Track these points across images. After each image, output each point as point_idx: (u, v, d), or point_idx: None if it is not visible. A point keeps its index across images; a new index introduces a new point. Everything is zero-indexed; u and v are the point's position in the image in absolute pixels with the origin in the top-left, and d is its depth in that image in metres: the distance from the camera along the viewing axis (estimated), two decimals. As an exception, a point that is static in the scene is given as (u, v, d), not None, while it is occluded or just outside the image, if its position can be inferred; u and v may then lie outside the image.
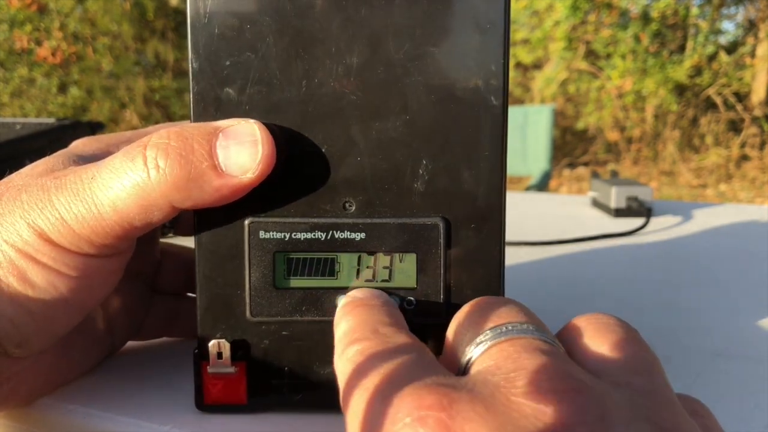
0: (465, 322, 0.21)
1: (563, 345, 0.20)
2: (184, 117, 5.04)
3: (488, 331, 0.19)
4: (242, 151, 0.23)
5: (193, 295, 0.33)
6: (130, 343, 0.32)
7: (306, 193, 0.24)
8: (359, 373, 0.18)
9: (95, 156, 0.27)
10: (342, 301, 0.23)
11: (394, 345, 0.19)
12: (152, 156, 0.23)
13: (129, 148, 0.23)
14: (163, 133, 0.23)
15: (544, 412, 0.16)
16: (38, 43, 4.92)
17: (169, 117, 4.96)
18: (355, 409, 0.18)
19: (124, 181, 0.23)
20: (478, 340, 0.19)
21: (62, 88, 5.00)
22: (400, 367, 0.18)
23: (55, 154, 0.26)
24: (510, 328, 0.19)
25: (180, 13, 5.13)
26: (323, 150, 0.24)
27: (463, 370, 0.19)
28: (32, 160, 0.27)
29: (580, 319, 0.21)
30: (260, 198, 0.24)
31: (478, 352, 0.19)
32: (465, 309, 0.22)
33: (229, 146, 0.23)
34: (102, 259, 0.25)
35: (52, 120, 0.64)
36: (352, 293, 0.24)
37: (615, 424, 0.16)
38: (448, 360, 0.21)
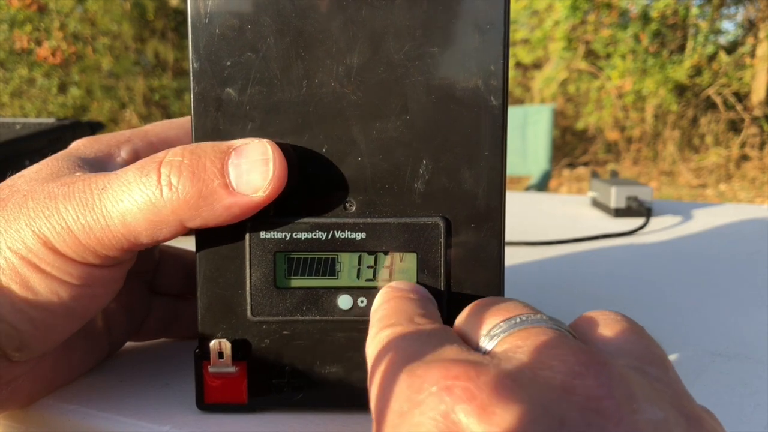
0: (474, 317, 0.21)
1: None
2: (183, 116, 5.03)
3: (502, 323, 0.19)
4: (254, 169, 0.23)
5: (192, 297, 0.33)
6: (129, 343, 0.32)
7: (307, 193, 0.24)
8: (388, 350, 0.18)
9: (97, 158, 0.27)
10: (383, 288, 0.24)
11: (426, 330, 0.19)
12: (166, 173, 0.23)
13: (143, 163, 0.23)
14: (177, 151, 0.23)
15: (572, 384, 0.15)
16: (38, 43, 4.92)
17: (169, 117, 4.96)
18: (380, 382, 0.18)
19: (136, 196, 0.23)
20: (493, 331, 0.19)
21: (62, 88, 5.00)
22: (429, 345, 0.18)
23: (56, 156, 0.26)
24: (524, 318, 0.19)
25: (180, 13, 5.13)
26: (324, 150, 0.24)
27: None
28: (32, 160, 0.26)
29: (591, 313, 0.21)
30: None
31: (495, 342, 0.19)
32: (471, 306, 0.22)
33: (241, 164, 0.23)
34: (104, 269, 0.25)
35: (52, 120, 0.64)
36: (393, 283, 0.24)
37: (642, 401, 0.16)
38: None
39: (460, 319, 0.21)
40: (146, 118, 4.90)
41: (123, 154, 0.28)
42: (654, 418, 0.15)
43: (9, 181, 0.25)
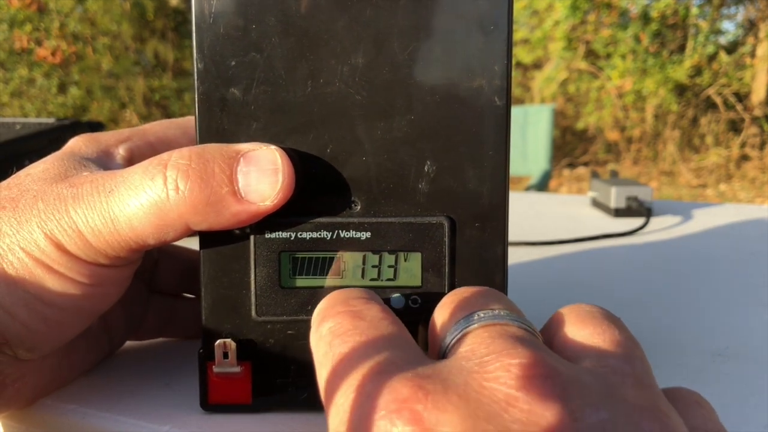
0: (443, 312, 0.21)
1: (546, 335, 0.21)
2: (183, 116, 5.03)
3: (461, 320, 0.19)
4: (263, 178, 0.23)
5: (190, 296, 0.33)
6: (129, 343, 0.32)
7: (311, 193, 0.24)
8: (338, 363, 0.19)
9: (99, 157, 0.27)
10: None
11: (368, 323, 0.19)
12: (172, 177, 0.22)
13: (149, 164, 0.23)
14: (184, 153, 0.23)
15: (515, 397, 0.16)
16: (38, 43, 4.92)
17: (169, 117, 4.94)
18: (338, 404, 0.18)
19: (142, 200, 0.23)
20: (453, 328, 0.20)
21: (62, 88, 5.00)
22: (377, 356, 0.18)
23: (59, 155, 0.26)
24: (482, 315, 0.19)
25: (180, 12, 5.13)
26: (328, 150, 0.24)
27: (443, 357, 0.20)
28: (32, 161, 0.26)
29: (563, 310, 0.21)
30: None
31: (453, 340, 0.19)
32: (445, 299, 0.22)
33: (250, 172, 0.23)
34: (114, 269, 0.25)
35: (52, 120, 0.64)
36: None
37: (583, 407, 0.16)
38: (433, 348, 0.21)
39: (435, 312, 0.22)
40: (146, 118, 4.90)
41: (122, 152, 0.28)
42: (599, 419, 0.16)
43: (15, 179, 0.25)
